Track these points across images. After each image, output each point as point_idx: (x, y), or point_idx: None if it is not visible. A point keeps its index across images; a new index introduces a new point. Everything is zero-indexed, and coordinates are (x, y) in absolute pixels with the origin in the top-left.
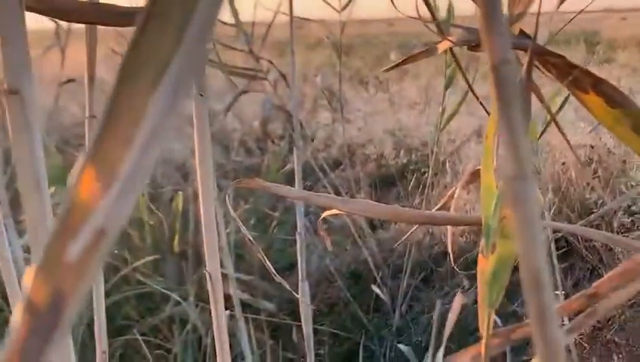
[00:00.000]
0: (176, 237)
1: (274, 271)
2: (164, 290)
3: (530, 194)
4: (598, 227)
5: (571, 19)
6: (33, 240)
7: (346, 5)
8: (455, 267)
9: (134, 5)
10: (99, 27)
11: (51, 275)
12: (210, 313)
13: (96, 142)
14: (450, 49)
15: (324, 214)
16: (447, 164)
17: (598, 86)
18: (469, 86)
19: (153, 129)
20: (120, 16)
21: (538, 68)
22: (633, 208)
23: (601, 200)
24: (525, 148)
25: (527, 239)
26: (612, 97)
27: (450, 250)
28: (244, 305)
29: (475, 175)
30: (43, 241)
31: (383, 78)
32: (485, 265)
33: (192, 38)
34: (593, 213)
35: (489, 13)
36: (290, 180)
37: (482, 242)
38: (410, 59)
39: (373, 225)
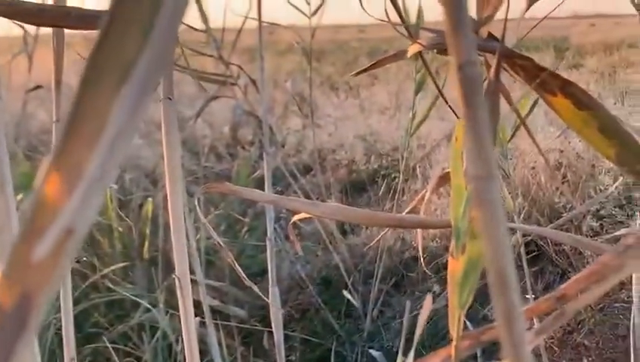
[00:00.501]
0: (146, 244)
1: (244, 276)
2: (133, 297)
3: (495, 194)
4: (567, 231)
5: (536, 24)
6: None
7: (316, 11)
8: (426, 271)
9: (102, 8)
10: (67, 33)
11: (18, 276)
12: (180, 319)
13: (61, 143)
14: (421, 54)
15: (295, 218)
16: (418, 169)
17: (566, 88)
18: (439, 91)
19: (118, 130)
20: (87, 20)
21: (506, 70)
22: (602, 212)
23: (570, 205)
24: (490, 148)
25: (493, 239)
26: (580, 99)
27: (420, 252)
28: (215, 312)
29: (445, 178)
30: (8, 243)
31: (354, 83)
32: (455, 267)
33: (158, 39)
34: (562, 216)
35: (454, 14)
36: (260, 186)
37: (452, 243)
38: (379, 63)
39: (344, 231)
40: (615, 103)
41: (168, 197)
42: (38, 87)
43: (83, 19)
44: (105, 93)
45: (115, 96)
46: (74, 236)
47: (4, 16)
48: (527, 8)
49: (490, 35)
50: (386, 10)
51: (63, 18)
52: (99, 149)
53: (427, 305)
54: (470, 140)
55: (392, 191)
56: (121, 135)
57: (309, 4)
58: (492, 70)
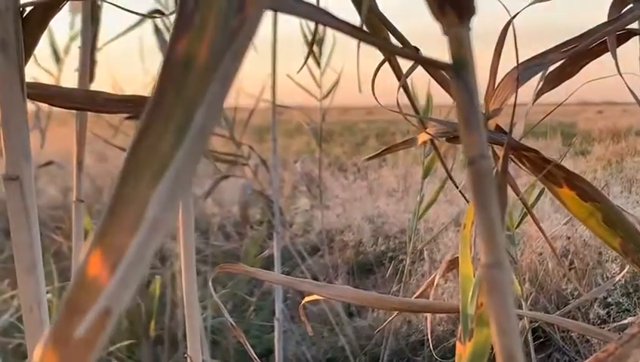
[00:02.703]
0: (152, 322)
1: (256, 357)
2: None
3: (506, 282)
4: (574, 318)
5: (548, 113)
6: (28, 320)
7: (327, 94)
8: (433, 354)
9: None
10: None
11: (60, 352)
12: None
13: (103, 227)
14: (432, 141)
15: (306, 299)
16: (425, 252)
17: (571, 180)
18: (449, 175)
19: (155, 219)
20: (112, 105)
21: (514, 161)
22: (609, 300)
23: (577, 292)
24: (500, 237)
25: (502, 326)
26: (584, 190)
27: (428, 336)
28: None
29: (453, 263)
30: (38, 323)
31: (362, 165)
32: (463, 352)
33: (194, 137)
34: (569, 303)
35: (467, 111)
36: (268, 265)
37: (460, 328)
38: (391, 149)
39: (350, 313)
40: (622, 192)
41: (182, 277)
42: (49, 162)
43: (108, 103)
44: (143, 185)
45: (153, 188)
46: (111, 316)
47: (35, 99)
48: (535, 100)
49: (498, 127)
50: (397, 100)
51: (89, 102)
52: (138, 235)
53: None
54: (481, 230)
55: (399, 274)
56: (159, 223)
57: (320, 87)
58: (500, 162)
